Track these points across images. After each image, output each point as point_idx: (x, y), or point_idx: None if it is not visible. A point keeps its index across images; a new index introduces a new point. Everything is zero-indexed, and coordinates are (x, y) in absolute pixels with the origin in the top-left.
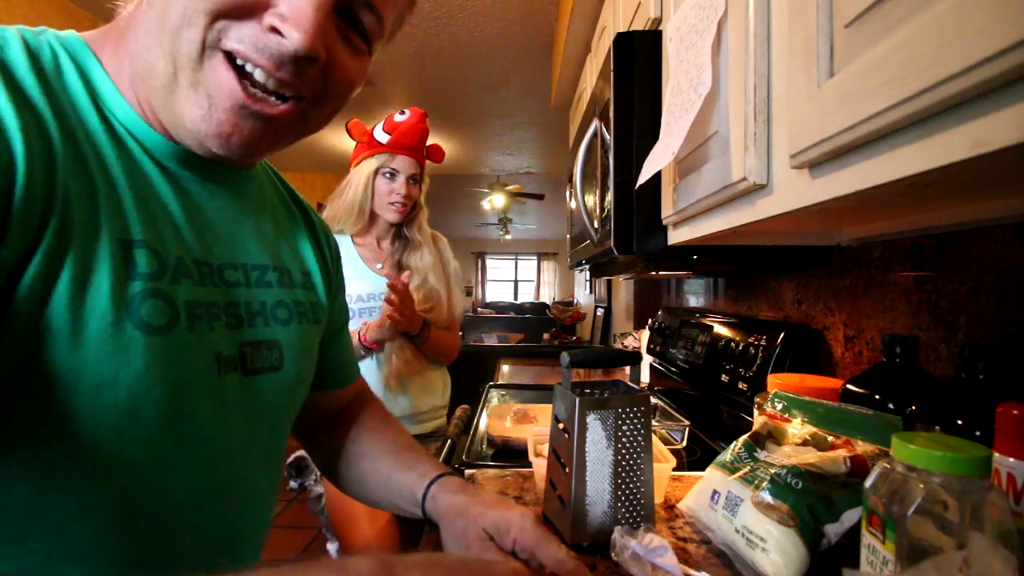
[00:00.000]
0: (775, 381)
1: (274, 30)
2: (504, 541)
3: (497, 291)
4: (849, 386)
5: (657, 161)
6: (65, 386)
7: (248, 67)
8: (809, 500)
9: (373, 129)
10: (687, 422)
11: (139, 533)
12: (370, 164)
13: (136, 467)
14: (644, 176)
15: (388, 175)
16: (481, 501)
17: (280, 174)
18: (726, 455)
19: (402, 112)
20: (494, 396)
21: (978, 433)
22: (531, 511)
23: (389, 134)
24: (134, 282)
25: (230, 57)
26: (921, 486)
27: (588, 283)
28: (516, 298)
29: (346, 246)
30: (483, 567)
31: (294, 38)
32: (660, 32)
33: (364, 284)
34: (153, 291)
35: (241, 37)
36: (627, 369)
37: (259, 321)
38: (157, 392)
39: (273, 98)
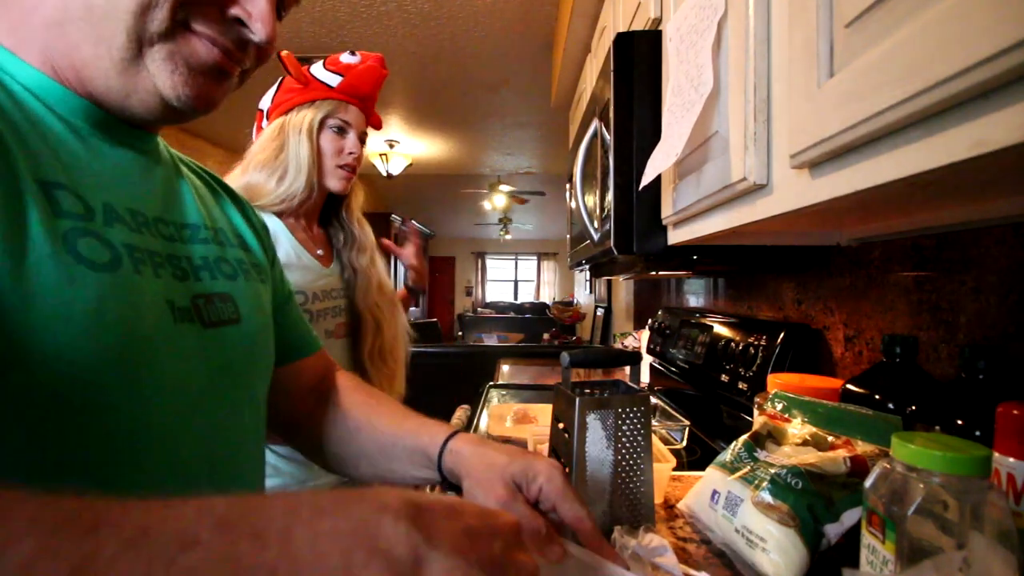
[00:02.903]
0: (775, 381)
1: (238, 21)
2: (530, 490)
3: (497, 291)
4: (849, 386)
5: (660, 163)
6: (13, 320)
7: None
8: (809, 500)
9: (310, 67)
10: (687, 422)
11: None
12: (309, 114)
13: (94, 413)
14: (647, 178)
15: (336, 129)
16: (507, 451)
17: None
18: (726, 455)
19: (352, 53)
20: (494, 396)
21: (978, 433)
22: (558, 464)
23: (340, 76)
24: (63, 219)
25: (195, 33)
26: (921, 486)
27: (588, 283)
28: (516, 298)
29: (277, 229)
30: (501, 526)
31: (260, 33)
32: (660, 32)
33: (312, 277)
34: (85, 230)
35: (207, 21)
36: (627, 369)
37: (205, 275)
38: (113, 334)
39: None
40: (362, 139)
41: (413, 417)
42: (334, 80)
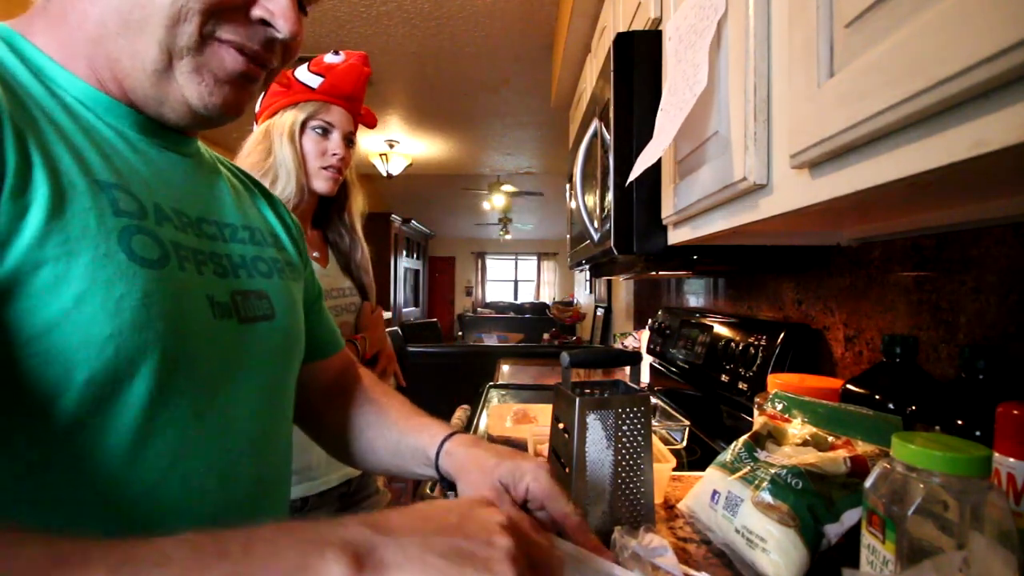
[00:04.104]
0: (775, 381)
1: (263, 22)
2: (518, 489)
3: (497, 291)
4: (849, 386)
5: (647, 159)
6: (58, 318)
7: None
8: (809, 500)
9: (295, 70)
10: (687, 422)
11: (151, 477)
12: (292, 116)
13: (132, 403)
14: (634, 173)
15: (319, 131)
16: (496, 453)
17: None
18: (726, 455)
19: (336, 53)
20: (494, 396)
21: (978, 433)
22: (545, 463)
23: (321, 77)
24: (121, 217)
25: (222, 42)
26: (921, 486)
27: (588, 283)
28: (516, 298)
29: None
30: (478, 524)
31: (284, 29)
32: (660, 32)
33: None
34: (139, 228)
35: (235, 30)
36: (627, 369)
37: (243, 273)
38: (156, 328)
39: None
40: (349, 139)
41: (418, 416)
42: (315, 81)
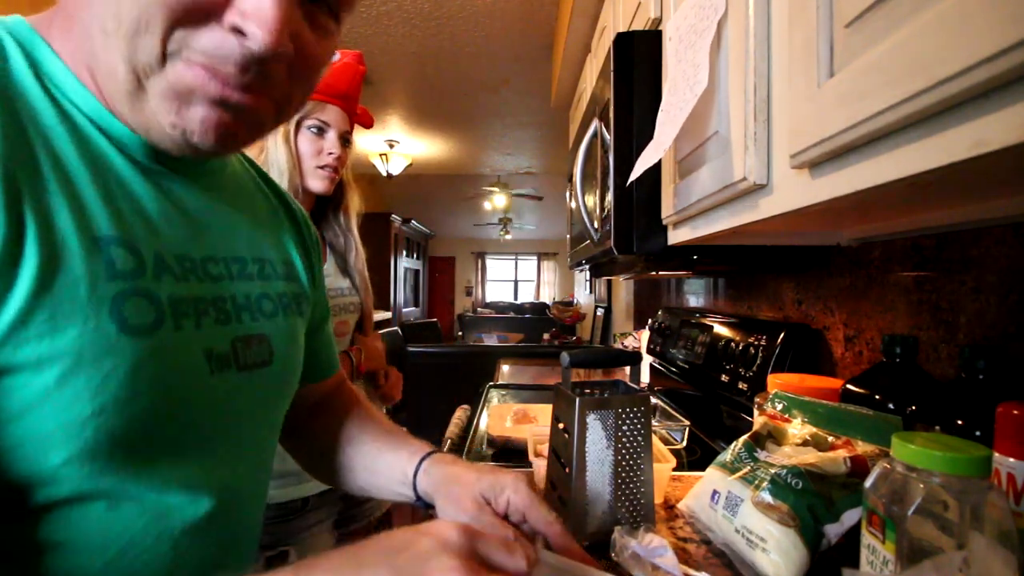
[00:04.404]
0: (775, 381)
1: (236, 30)
2: (498, 502)
3: (497, 291)
4: (849, 386)
5: (647, 159)
6: (32, 403)
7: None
8: (809, 500)
9: None
10: (687, 422)
11: (133, 543)
12: None
13: (123, 480)
14: (635, 174)
15: (314, 130)
16: (476, 469)
17: (255, 163)
18: (726, 455)
19: None
20: (494, 396)
21: (978, 433)
22: (524, 475)
23: None
24: (113, 282)
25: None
26: (921, 486)
27: (588, 283)
28: (516, 298)
29: None
30: (419, 547)
31: (258, 38)
32: (660, 32)
33: None
34: (135, 290)
35: (203, 47)
36: (627, 369)
37: (246, 316)
38: (145, 400)
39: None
40: (344, 138)
41: (397, 435)
42: None
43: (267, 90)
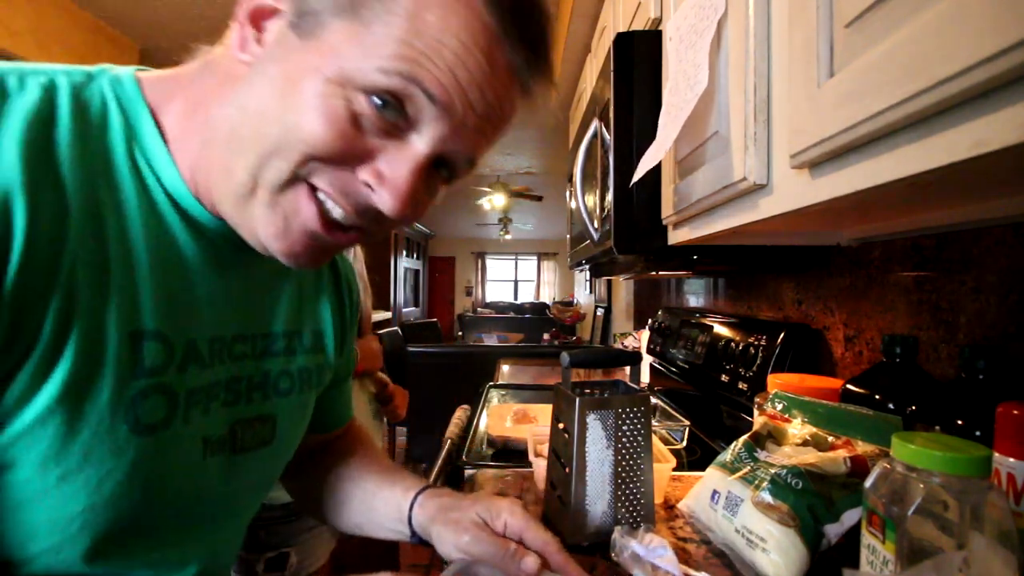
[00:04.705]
0: (775, 381)
1: (368, 185)
2: (496, 523)
3: (497, 291)
4: (849, 386)
5: (649, 160)
6: (30, 499)
7: (329, 203)
8: (809, 500)
9: None
10: (687, 422)
11: None
12: None
13: (99, 564)
14: (637, 175)
15: None
16: (471, 497)
17: None
18: (726, 455)
19: None
20: (494, 396)
21: (978, 433)
22: (519, 500)
23: None
24: (137, 380)
25: (312, 187)
26: (921, 486)
27: (588, 283)
28: (516, 298)
29: None
30: None
31: (386, 203)
32: (660, 32)
33: None
34: (156, 386)
35: (331, 180)
36: (627, 369)
37: (257, 395)
38: (134, 496)
39: (342, 230)
40: None
41: (394, 473)
42: None
43: (367, 234)
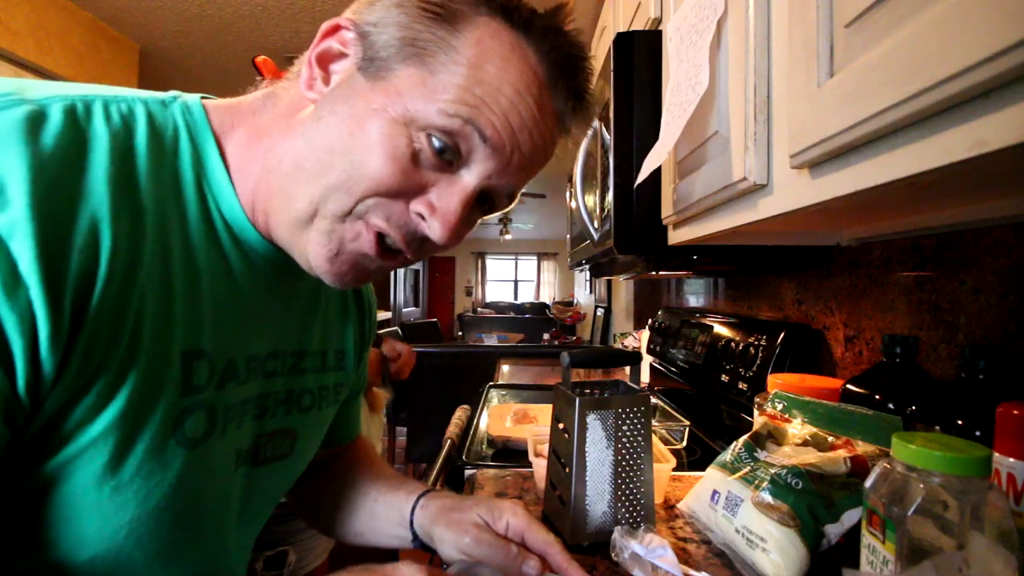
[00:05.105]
0: (775, 381)
1: (420, 215)
2: (498, 524)
3: (497, 291)
4: (849, 386)
5: (653, 161)
6: (81, 511)
7: (384, 233)
8: (809, 500)
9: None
10: (687, 422)
11: None
12: None
13: (132, 570)
14: (641, 176)
15: None
16: (472, 499)
17: None
18: (726, 455)
19: None
20: (494, 396)
21: (978, 433)
22: (520, 502)
23: None
24: (188, 397)
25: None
26: (921, 486)
27: (588, 283)
28: (516, 298)
29: None
30: None
31: (436, 232)
32: (660, 32)
33: None
34: (199, 404)
35: (388, 215)
36: (627, 369)
37: (281, 410)
38: (177, 507)
39: (391, 255)
40: None
41: (397, 479)
42: None
43: (411, 258)
